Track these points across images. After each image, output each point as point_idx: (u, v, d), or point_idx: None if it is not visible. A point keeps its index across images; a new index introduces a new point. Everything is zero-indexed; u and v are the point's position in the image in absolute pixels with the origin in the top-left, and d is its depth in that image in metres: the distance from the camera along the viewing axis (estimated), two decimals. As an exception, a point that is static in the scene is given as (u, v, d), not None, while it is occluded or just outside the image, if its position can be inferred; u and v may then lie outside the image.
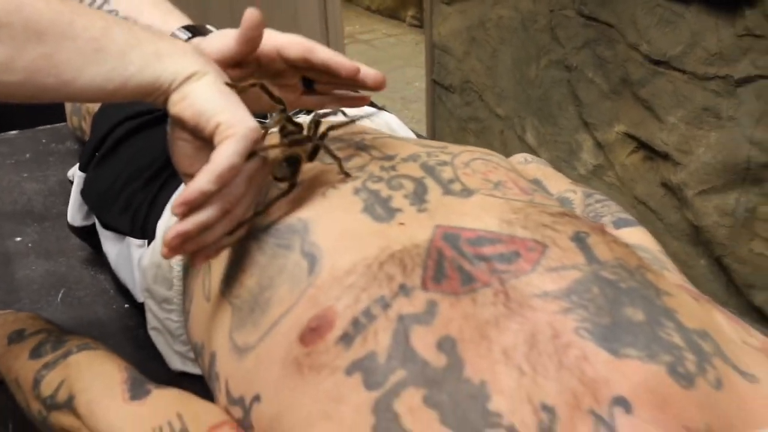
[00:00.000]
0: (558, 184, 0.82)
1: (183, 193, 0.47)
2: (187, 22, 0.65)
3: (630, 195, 1.76)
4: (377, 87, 0.63)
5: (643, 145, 1.69)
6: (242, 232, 0.56)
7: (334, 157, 0.61)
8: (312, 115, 0.62)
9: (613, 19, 1.65)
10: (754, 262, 1.49)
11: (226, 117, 0.49)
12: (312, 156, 0.59)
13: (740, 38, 1.37)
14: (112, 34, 0.50)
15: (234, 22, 0.61)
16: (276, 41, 0.60)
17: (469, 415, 0.41)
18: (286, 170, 0.59)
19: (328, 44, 2.98)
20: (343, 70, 0.61)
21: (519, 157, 0.89)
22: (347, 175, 0.61)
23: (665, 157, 1.62)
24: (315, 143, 0.60)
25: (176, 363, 0.76)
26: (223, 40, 0.60)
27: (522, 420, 0.40)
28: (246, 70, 0.61)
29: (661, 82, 1.57)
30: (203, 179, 0.47)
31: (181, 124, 0.53)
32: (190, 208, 0.47)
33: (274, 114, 0.59)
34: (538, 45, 1.91)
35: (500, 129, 2.14)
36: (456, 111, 2.35)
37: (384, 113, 0.95)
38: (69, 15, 0.48)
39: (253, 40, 0.58)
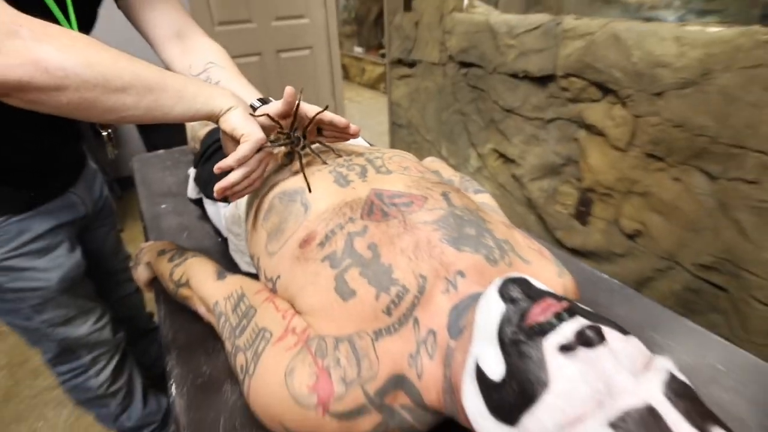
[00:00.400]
0: (448, 172, 0.81)
1: (220, 163, 0.51)
2: (260, 95, 0.65)
3: (496, 182, 1.78)
4: (356, 134, 0.64)
5: (501, 155, 1.72)
6: (256, 185, 0.57)
7: (313, 152, 0.63)
8: (300, 131, 0.62)
9: (485, 87, 1.68)
10: (556, 216, 1.54)
11: (247, 131, 0.52)
12: (295, 153, 0.61)
13: (547, 98, 1.44)
14: (188, 86, 0.51)
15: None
16: (304, 107, 0.60)
17: (382, 280, 0.44)
18: (286, 159, 0.64)
19: (335, 104, 3.02)
20: (340, 124, 0.62)
21: (429, 158, 0.89)
22: (325, 162, 0.62)
23: (513, 161, 1.65)
24: (303, 144, 0.61)
25: (245, 267, 0.74)
26: (276, 104, 0.60)
27: (409, 281, 0.43)
28: (288, 121, 0.60)
29: (510, 121, 1.61)
30: (230, 159, 0.51)
31: (225, 133, 0.55)
32: (222, 171, 0.51)
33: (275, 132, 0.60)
34: (447, 102, 1.91)
35: (428, 147, 2.12)
36: (405, 138, 2.32)
37: (360, 138, 0.89)
38: (163, 77, 0.49)
39: (290, 104, 0.58)
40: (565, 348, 0.31)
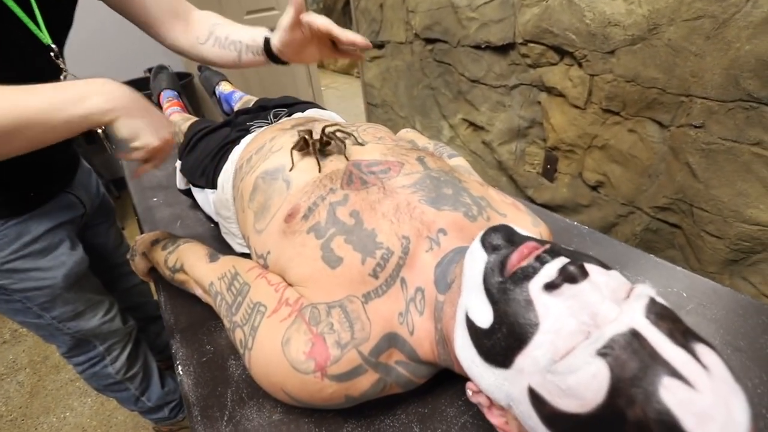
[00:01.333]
0: (422, 140, 0.80)
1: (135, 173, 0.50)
2: (267, 32, 0.59)
3: (468, 150, 1.75)
4: (366, 47, 0.53)
5: (471, 124, 1.68)
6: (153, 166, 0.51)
7: (338, 140, 0.56)
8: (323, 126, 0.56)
9: (451, 61, 1.63)
10: (526, 176, 1.53)
11: (142, 142, 0.46)
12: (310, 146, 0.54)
13: (509, 66, 1.40)
14: (55, 103, 0.41)
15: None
16: (310, 17, 0.51)
17: (367, 244, 0.42)
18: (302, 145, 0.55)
19: (313, 92, 2.93)
20: (354, 38, 0.53)
21: (404, 130, 0.86)
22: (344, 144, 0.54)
23: (482, 128, 1.63)
24: (322, 136, 0.54)
25: (238, 249, 0.71)
26: (285, 17, 0.53)
27: (393, 243, 0.42)
28: (298, 31, 0.54)
29: (477, 91, 1.58)
30: (141, 170, 0.49)
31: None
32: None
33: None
34: (416, 78, 1.86)
35: (403, 123, 2.07)
36: (380, 116, 2.26)
37: (334, 114, 0.87)
38: (26, 113, 0.40)
39: (298, 11, 0.51)
40: (550, 286, 0.30)
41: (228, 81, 1.40)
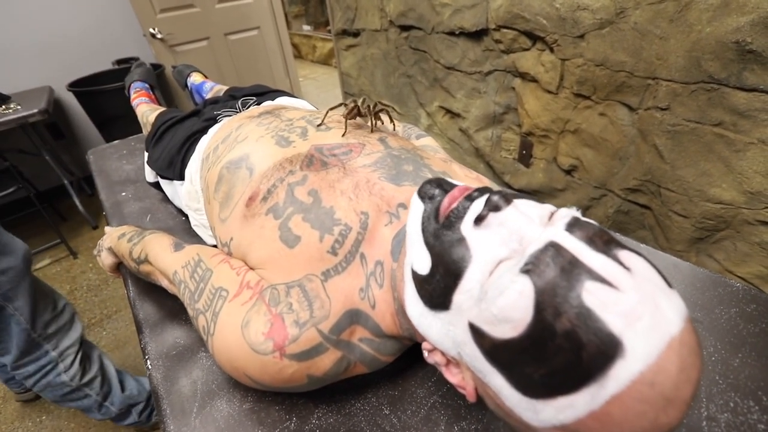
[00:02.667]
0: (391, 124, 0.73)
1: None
2: None
3: (446, 137, 1.75)
4: None
5: (448, 111, 1.68)
6: None
7: (375, 116, 0.57)
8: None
9: (426, 48, 1.62)
10: (503, 162, 1.54)
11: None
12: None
13: (483, 52, 1.40)
14: None
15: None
16: None
17: (324, 221, 0.41)
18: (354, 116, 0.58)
19: (290, 83, 2.88)
20: None
21: None
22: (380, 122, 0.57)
23: (458, 115, 1.63)
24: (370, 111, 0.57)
25: (210, 241, 0.69)
26: None
27: (351, 219, 0.41)
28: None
29: (452, 78, 1.57)
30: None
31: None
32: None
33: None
34: (393, 66, 1.84)
35: None
36: None
37: (305, 102, 0.87)
38: None
39: None
40: (479, 219, 0.30)
41: (200, 72, 1.37)
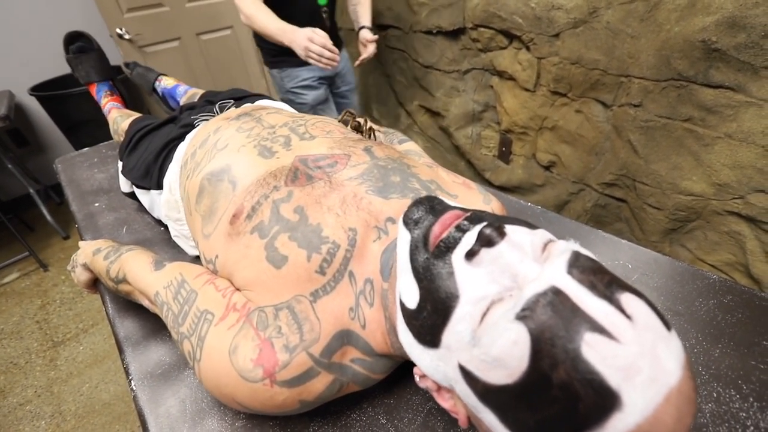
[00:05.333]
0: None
1: None
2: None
3: (426, 135, 1.75)
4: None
5: (428, 110, 1.68)
6: None
7: (369, 126, 0.66)
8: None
9: (404, 47, 1.62)
10: (483, 159, 1.55)
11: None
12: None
13: (461, 51, 1.41)
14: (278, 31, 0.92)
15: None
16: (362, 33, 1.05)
17: (312, 240, 0.40)
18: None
19: (267, 85, 2.80)
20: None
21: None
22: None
23: (438, 114, 1.63)
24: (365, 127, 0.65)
25: (191, 252, 0.67)
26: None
27: (339, 236, 0.40)
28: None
29: (431, 77, 1.58)
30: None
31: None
32: None
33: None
34: (371, 65, 1.83)
35: (359, 112, 2.05)
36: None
37: (284, 105, 0.85)
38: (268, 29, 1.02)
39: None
40: (470, 254, 0.28)
41: (167, 75, 1.31)
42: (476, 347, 0.26)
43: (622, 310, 0.24)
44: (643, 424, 0.22)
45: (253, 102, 0.82)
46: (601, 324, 0.23)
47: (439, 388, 0.33)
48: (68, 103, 1.93)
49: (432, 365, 0.31)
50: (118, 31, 2.05)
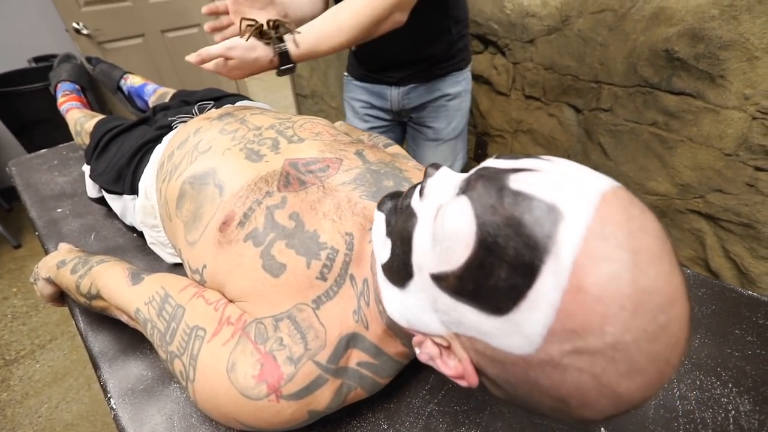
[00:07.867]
0: (356, 132, 0.77)
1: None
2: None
3: None
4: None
5: None
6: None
7: (275, 31, 0.61)
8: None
9: None
10: None
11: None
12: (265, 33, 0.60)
13: None
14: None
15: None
16: None
17: (310, 247, 0.39)
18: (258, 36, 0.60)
19: (236, 84, 2.71)
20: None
21: (337, 123, 0.82)
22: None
23: None
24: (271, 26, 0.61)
25: (169, 259, 0.64)
26: None
27: (337, 242, 0.40)
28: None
29: None
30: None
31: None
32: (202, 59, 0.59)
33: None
34: (344, 65, 1.87)
35: (335, 114, 2.02)
36: (311, 108, 2.20)
37: (265, 105, 0.81)
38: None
39: None
40: (420, 191, 0.32)
41: (133, 74, 1.23)
42: (436, 245, 0.28)
43: (541, 159, 0.27)
44: (592, 226, 0.22)
45: (233, 102, 0.79)
46: (523, 166, 0.26)
47: (440, 352, 0.30)
48: (19, 101, 1.80)
49: (418, 304, 0.30)
50: (75, 25, 1.93)
